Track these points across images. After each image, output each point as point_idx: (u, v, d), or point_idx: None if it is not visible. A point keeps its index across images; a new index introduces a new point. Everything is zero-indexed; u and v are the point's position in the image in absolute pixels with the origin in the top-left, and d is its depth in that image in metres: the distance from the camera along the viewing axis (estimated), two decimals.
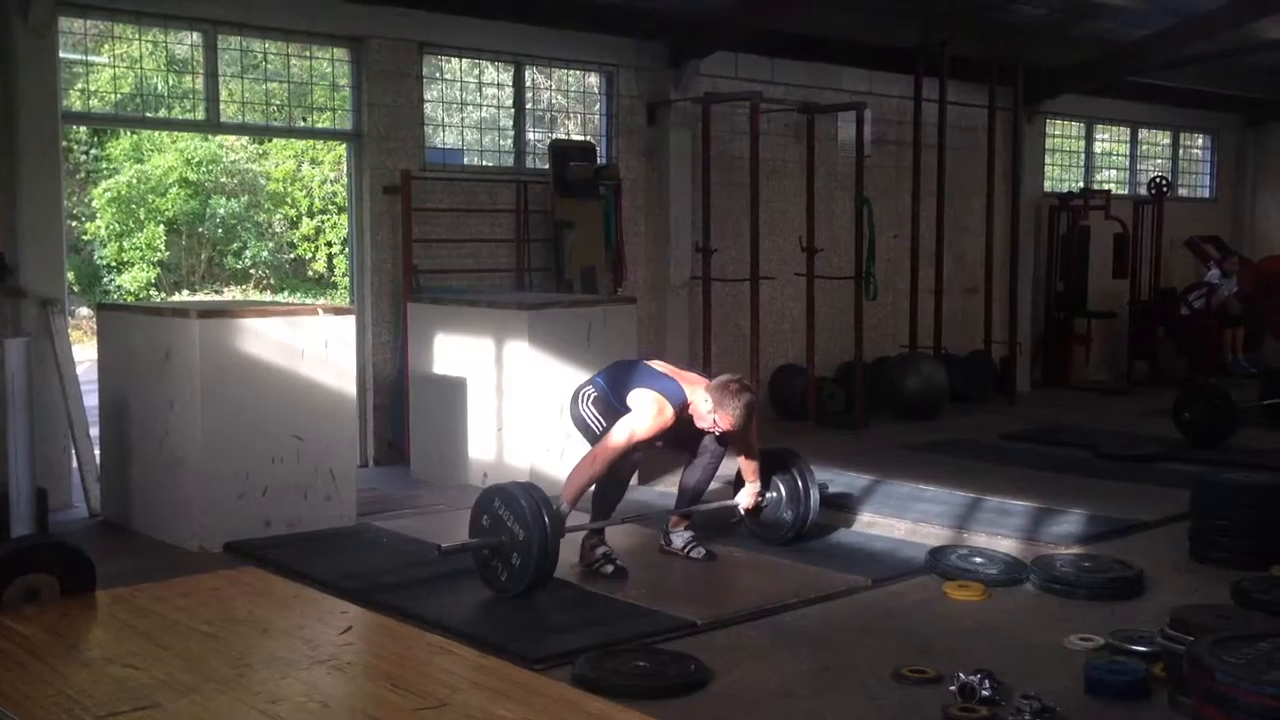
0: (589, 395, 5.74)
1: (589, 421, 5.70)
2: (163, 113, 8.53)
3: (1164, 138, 14.77)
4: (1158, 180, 13.23)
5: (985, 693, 3.96)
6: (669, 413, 5.51)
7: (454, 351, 7.59)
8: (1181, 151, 14.94)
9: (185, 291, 18.58)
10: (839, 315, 10.37)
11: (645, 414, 5.47)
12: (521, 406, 7.24)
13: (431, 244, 8.34)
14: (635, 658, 4.34)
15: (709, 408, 5.55)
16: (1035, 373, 12.60)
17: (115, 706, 3.25)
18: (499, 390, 7.34)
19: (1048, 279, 12.81)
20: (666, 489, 6.45)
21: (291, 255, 19.48)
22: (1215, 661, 3.25)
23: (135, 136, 17.87)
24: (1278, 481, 6.03)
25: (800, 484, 6.05)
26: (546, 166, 8.98)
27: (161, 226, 18.16)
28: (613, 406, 5.61)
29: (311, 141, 17.47)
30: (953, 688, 4.02)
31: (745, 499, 6.03)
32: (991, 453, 8.82)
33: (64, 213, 7.54)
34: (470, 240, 8.60)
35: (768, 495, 6.09)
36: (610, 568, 5.52)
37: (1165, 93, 13.38)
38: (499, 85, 9.16)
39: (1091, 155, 13.88)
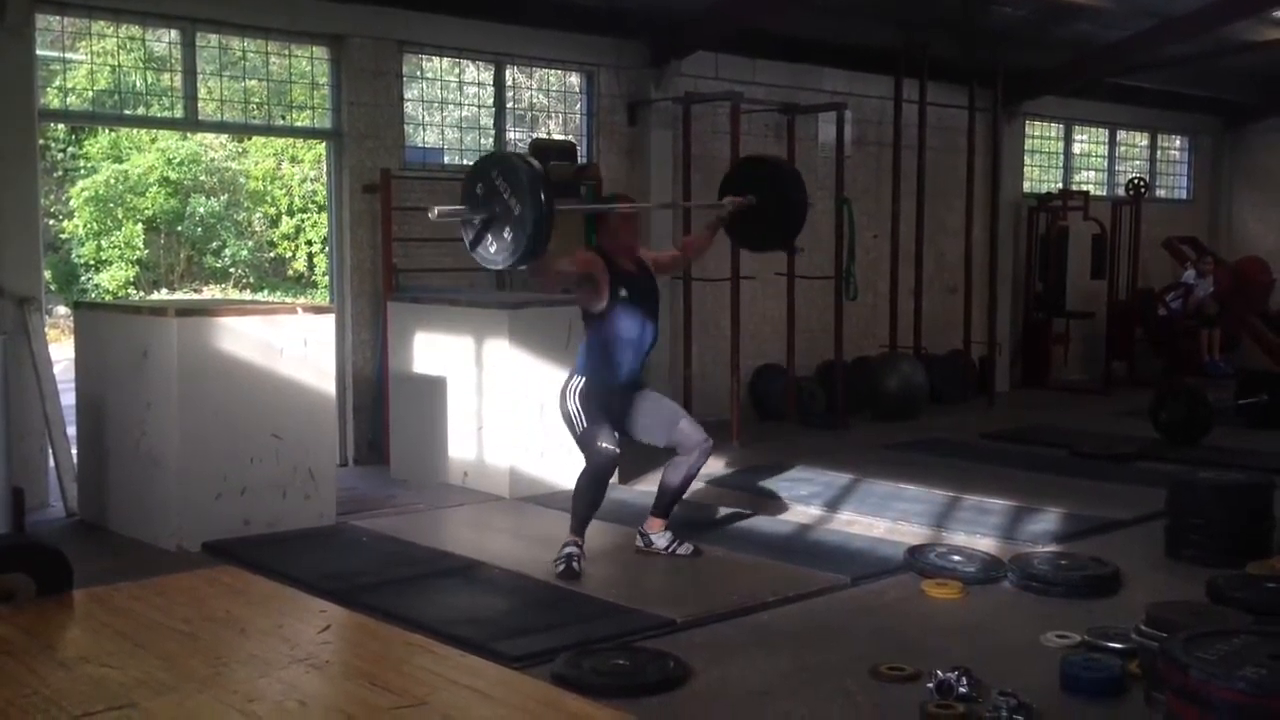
0: (576, 387, 5.69)
1: (572, 416, 5.68)
2: (141, 110, 8.49)
3: (1142, 139, 14.87)
4: (1136, 182, 13.32)
5: (962, 690, 3.99)
6: (584, 255, 5.73)
7: (434, 351, 7.58)
8: (1159, 153, 15.04)
9: (164, 290, 18.50)
10: (819, 315, 10.40)
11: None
12: (502, 406, 7.23)
13: (411, 243, 8.33)
14: (614, 656, 4.35)
15: (605, 229, 5.81)
16: (1014, 373, 12.67)
17: (92, 706, 3.23)
18: (479, 389, 7.33)
19: (1027, 279, 12.88)
20: (647, 488, 6.46)
21: (271, 254, 19.42)
22: (1189, 658, 3.27)
23: (114, 135, 17.78)
24: (1252, 480, 6.08)
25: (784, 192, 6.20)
26: None
27: (140, 225, 18.08)
28: (596, 397, 5.63)
29: (291, 140, 17.41)
30: (930, 685, 4.04)
31: (729, 202, 6.15)
32: (970, 452, 8.86)
33: (41, 211, 7.50)
34: (450, 239, 8.51)
35: (749, 196, 6.13)
36: (562, 567, 5.46)
37: (1143, 95, 13.47)
38: (479, 84, 9.15)
39: (1070, 156, 13.96)
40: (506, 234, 4.96)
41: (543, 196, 4.87)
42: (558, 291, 5.55)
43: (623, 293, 5.66)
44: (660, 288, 9.47)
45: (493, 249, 5.03)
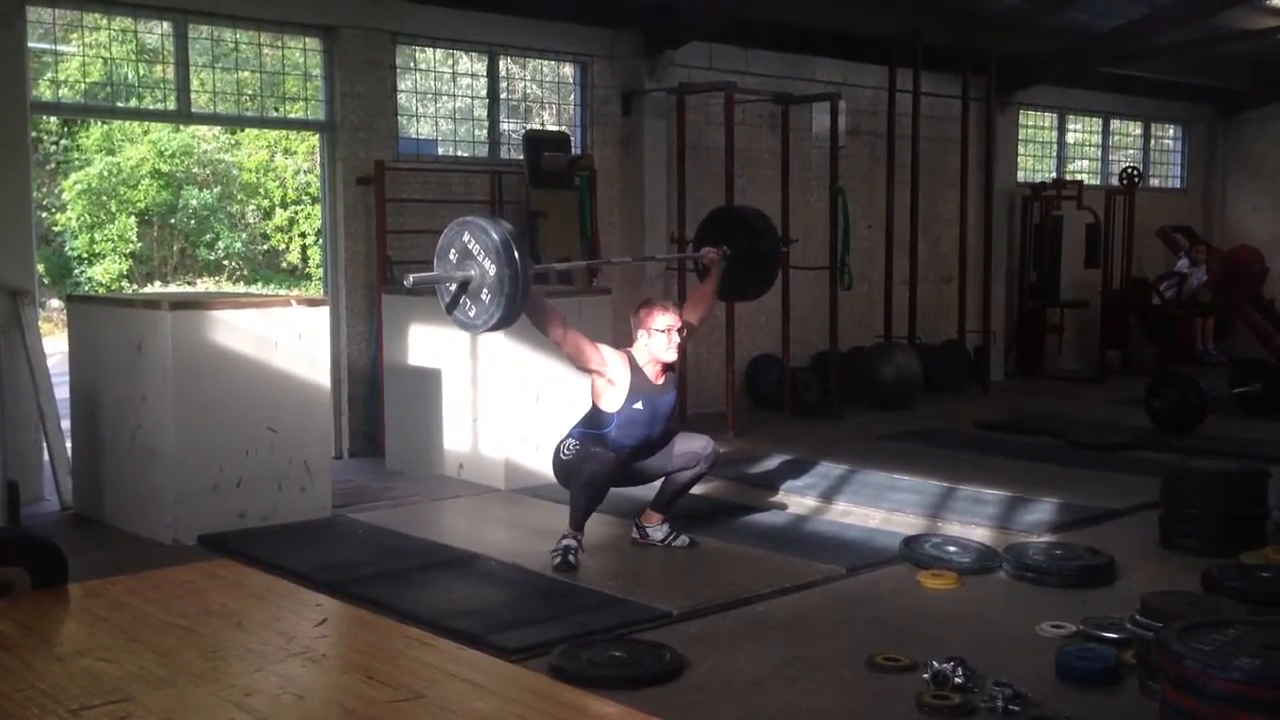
0: (570, 445, 5.64)
1: (568, 462, 5.59)
2: (133, 103, 8.45)
3: (1135, 128, 14.87)
4: (1129, 170, 13.32)
5: (958, 680, 4.00)
6: (605, 347, 5.60)
7: (428, 342, 7.57)
8: (1153, 142, 15.04)
9: (157, 283, 18.46)
10: (814, 305, 10.40)
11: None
12: (496, 397, 7.23)
13: (405, 235, 8.31)
14: (611, 648, 4.35)
15: (644, 336, 5.62)
16: (1009, 362, 12.69)
17: (88, 700, 3.22)
18: (474, 381, 7.33)
19: (1021, 268, 12.89)
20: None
21: (265, 246, 19.38)
22: (1184, 648, 3.28)
23: (106, 127, 17.72)
24: (1247, 469, 6.08)
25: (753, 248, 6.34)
26: (521, 157, 8.96)
27: (133, 218, 18.03)
28: (587, 436, 5.61)
29: (284, 132, 17.36)
30: (926, 675, 4.05)
31: (708, 250, 6.20)
32: (965, 442, 8.87)
33: (33, 204, 7.48)
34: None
35: (724, 248, 6.19)
36: (559, 559, 5.44)
37: (1137, 83, 13.47)
38: (473, 75, 9.13)
39: (1064, 145, 13.96)
40: (484, 296, 5.02)
41: (516, 257, 4.92)
42: (556, 335, 5.51)
43: (637, 405, 5.60)
44: (656, 278, 9.55)
45: (471, 312, 5.09)
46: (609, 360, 5.57)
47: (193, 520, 6.07)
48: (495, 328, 5.16)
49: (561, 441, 5.71)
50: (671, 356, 5.67)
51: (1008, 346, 12.73)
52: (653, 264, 9.56)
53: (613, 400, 5.59)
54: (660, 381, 5.70)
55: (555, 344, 5.58)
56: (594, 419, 5.67)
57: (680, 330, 5.67)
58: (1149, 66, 12.87)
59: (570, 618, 4.78)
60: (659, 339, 5.60)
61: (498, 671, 3.72)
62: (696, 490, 6.22)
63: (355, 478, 7.61)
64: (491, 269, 4.97)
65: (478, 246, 5.01)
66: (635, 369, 5.62)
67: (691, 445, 5.79)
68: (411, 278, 5.18)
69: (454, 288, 5.12)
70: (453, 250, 5.12)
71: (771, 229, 6.57)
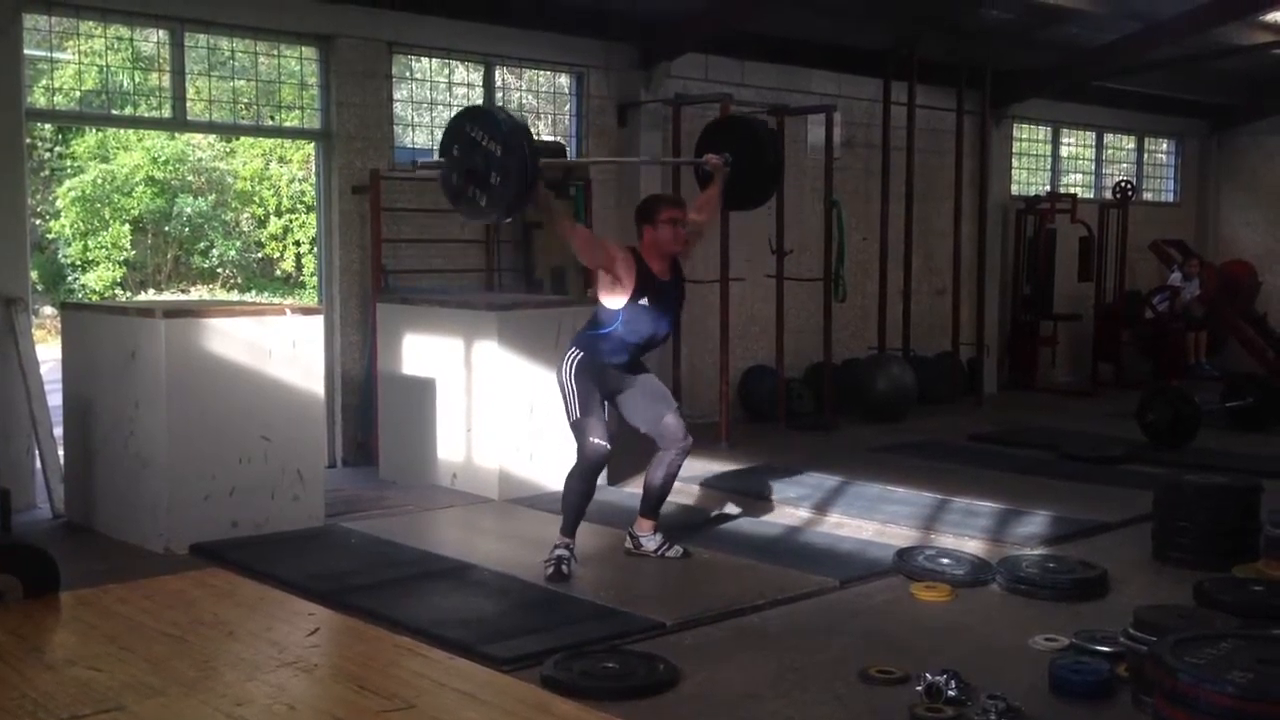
0: (573, 359, 5.64)
1: (566, 395, 5.62)
2: (129, 110, 8.45)
3: (1129, 142, 14.92)
4: (1123, 184, 13.36)
5: (951, 693, 3.99)
6: (613, 243, 5.60)
7: (423, 352, 7.57)
8: (1146, 156, 15.09)
9: (151, 291, 18.43)
10: (808, 317, 10.41)
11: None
12: (491, 407, 7.22)
13: (400, 244, 8.32)
14: (604, 659, 4.35)
15: (649, 231, 5.59)
16: (1002, 374, 12.70)
17: (79, 709, 3.22)
18: (468, 391, 7.33)
19: (1014, 281, 12.91)
20: (636, 490, 6.45)
21: (259, 254, 19.36)
22: (1177, 661, 3.29)
23: (100, 135, 17.71)
24: (1239, 483, 6.10)
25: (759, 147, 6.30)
26: None
27: (127, 225, 18.01)
28: (591, 372, 5.59)
29: (279, 140, 17.36)
30: (919, 688, 4.05)
31: (710, 156, 6.16)
32: (958, 454, 8.88)
33: (28, 211, 7.47)
34: (439, 240, 8.57)
35: (726, 155, 6.16)
36: (552, 569, 5.46)
37: (1130, 97, 13.52)
38: (469, 85, 9.14)
39: (1058, 159, 14.00)
40: (494, 179, 4.95)
41: (523, 139, 4.88)
42: (565, 229, 5.51)
43: (643, 301, 5.57)
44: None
45: (482, 201, 5.01)
46: (617, 256, 5.52)
47: (185, 529, 6.05)
48: (509, 213, 5.07)
49: (567, 353, 5.69)
50: (677, 248, 5.64)
51: (1001, 359, 12.75)
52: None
53: (619, 297, 5.55)
54: (667, 279, 5.68)
55: (564, 239, 5.53)
56: (598, 319, 5.64)
57: (684, 222, 5.66)
58: (1143, 81, 12.91)
59: (563, 628, 4.78)
60: (664, 230, 5.57)
61: (490, 682, 3.72)
62: (689, 501, 6.23)
63: (348, 487, 7.60)
64: (499, 151, 4.91)
65: (482, 133, 4.94)
66: (641, 263, 5.57)
67: (673, 429, 5.77)
68: (419, 161, 5.15)
69: (459, 180, 5.04)
70: (456, 146, 5.05)
71: (773, 138, 6.52)
